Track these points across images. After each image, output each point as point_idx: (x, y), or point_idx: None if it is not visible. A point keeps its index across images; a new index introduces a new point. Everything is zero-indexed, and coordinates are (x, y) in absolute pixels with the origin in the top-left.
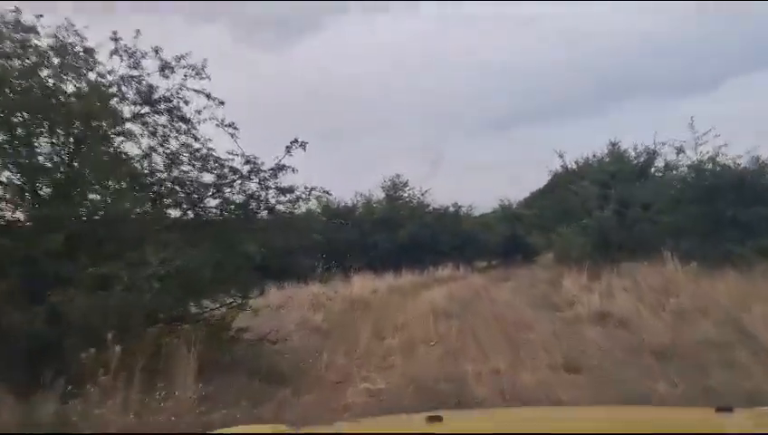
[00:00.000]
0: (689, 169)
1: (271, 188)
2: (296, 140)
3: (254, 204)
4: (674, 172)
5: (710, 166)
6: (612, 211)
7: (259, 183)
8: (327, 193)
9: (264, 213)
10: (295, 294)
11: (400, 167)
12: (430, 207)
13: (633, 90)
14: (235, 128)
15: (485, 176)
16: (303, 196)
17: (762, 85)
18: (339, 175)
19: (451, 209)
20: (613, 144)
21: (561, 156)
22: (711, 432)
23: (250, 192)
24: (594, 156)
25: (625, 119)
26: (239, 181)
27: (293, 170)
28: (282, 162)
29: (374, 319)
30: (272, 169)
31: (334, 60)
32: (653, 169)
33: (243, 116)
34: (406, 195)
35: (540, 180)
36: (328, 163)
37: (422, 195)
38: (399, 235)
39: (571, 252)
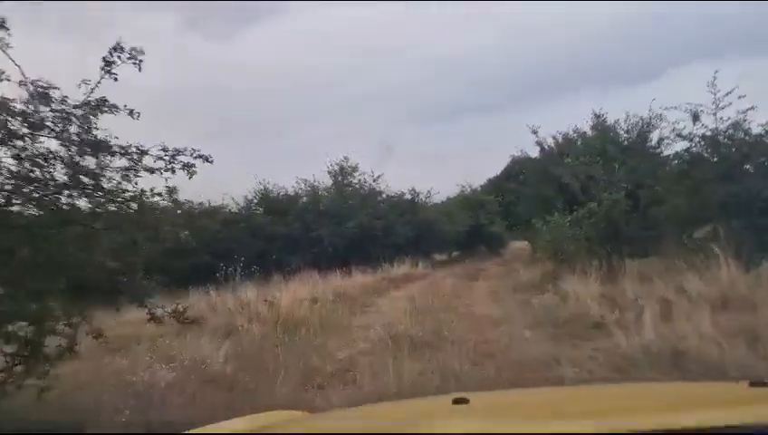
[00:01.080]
0: (705, 139)
1: (75, 140)
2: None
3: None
4: (678, 144)
5: (736, 134)
6: (624, 194)
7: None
8: (207, 160)
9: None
10: (210, 310)
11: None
12: (383, 195)
13: (587, 79)
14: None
15: (437, 166)
16: (163, 166)
17: (703, 75)
18: (285, 166)
19: (407, 196)
20: (598, 116)
21: (534, 132)
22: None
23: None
24: (575, 132)
25: (581, 107)
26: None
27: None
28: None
29: (306, 351)
30: (85, 106)
31: (284, 49)
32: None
33: (184, 104)
34: (356, 181)
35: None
36: (273, 154)
37: (374, 180)
38: (348, 227)
39: (563, 245)
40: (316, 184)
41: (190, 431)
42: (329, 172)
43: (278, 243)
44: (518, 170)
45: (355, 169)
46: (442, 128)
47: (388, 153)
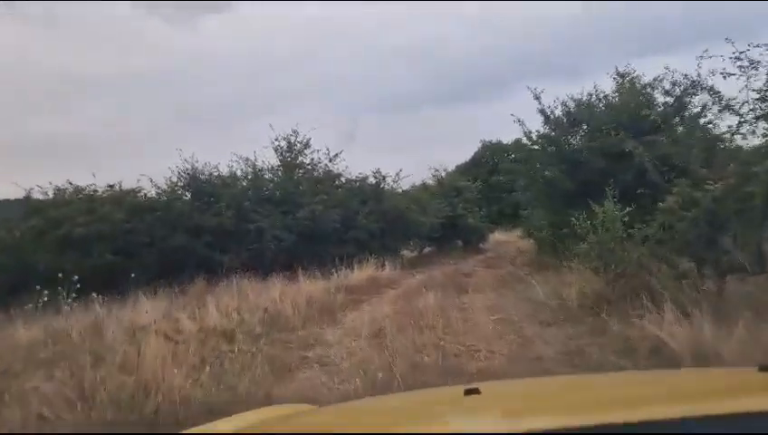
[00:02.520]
0: None
1: None
2: None
3: None
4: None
5: None
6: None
7: None
8: None
9: None
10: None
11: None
12: (342, 178)
13: (547, 72)
14: None
15: (398, 156)
16: None
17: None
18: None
19: (371, 180)
20: (623, 75)
21: (537, 97)
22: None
23: None
24: (591, 95)
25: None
26: None
27: None
28: None
29: None
30: None
31: (244, 37)
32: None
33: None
34: (308, 161)
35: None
36: (228, 142)
37: (330, 160)
38: (298, 217)
39: (615, 253)
40: (258, 164)
41: (195, 428)
42: (274, 149)
43: (205, 237)
44: (489, 156)
45: (307, 145)
46: (402, 118)
47: (350, 142)
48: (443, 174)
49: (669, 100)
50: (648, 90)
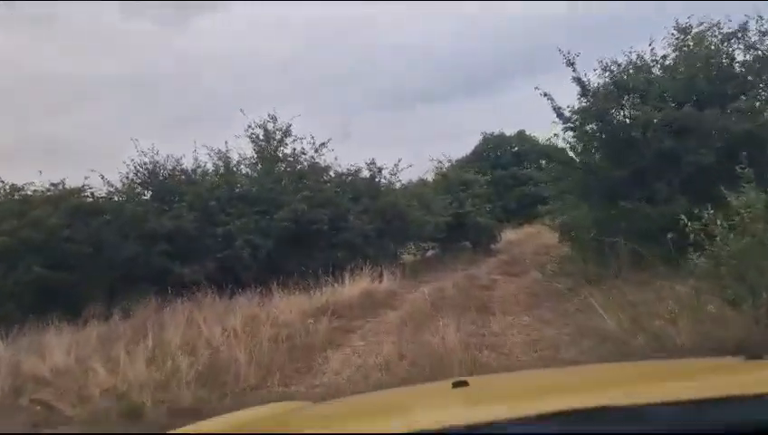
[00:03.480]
0: None
1: None
2: None
3: None
4: None
5: None
6: None
7: None
8: None
9: None
10: None
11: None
12: (330, 172)
13: (538, 68)
14: None
15: (396, 152)
16: None
17: None
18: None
19: (365, 174)
20: (685, 30)
21: (572, 63)
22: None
23: None
24: (640, 57)
25: (531, 97)
26: None
27: None
28: None
29: None
30: None
31: (240, 36)
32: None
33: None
34: (289, 151)
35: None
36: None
37: (316, 151)
38: (277, 219)
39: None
40: (230, 156)
41: (176, 431)
42: (250, 138)
43: (161, 245)
44: (491, 149)
45: (287, 133)
46: (399, 115)
47: (345, 138)
48: (446, 166)
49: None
50: (724, 45)
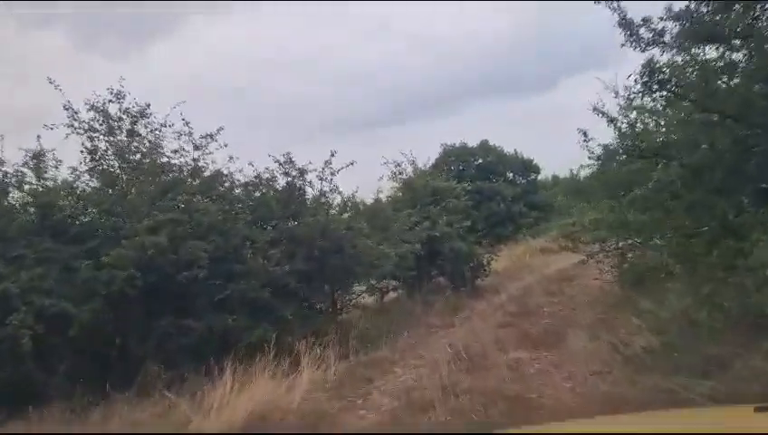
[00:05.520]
0: None
1: None
2: None
3: None
4: None
5: None
6: None
7: None
8: None
9: None
10: None
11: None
12: (225, 181)
13: (484, 89)
14: None
15: (353, 176)
16: None
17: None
18: None
19: (279, 183)
20: None
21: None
22: (753, 433)
23: None
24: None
25: (478, 118)
26: None
27: None
28: None
29: None
30: None
31: (182, 64)
32: None
33: None
34: (146, 146)
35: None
36: None
37: (197, 148)
38: (107, 265)
39: None
40: (46, 159)
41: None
42: (77, 128)
43: None
44: (453, 161)
45: (143, 115)
46: (357, 138)
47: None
48: (411, 172)
49: None
50: None
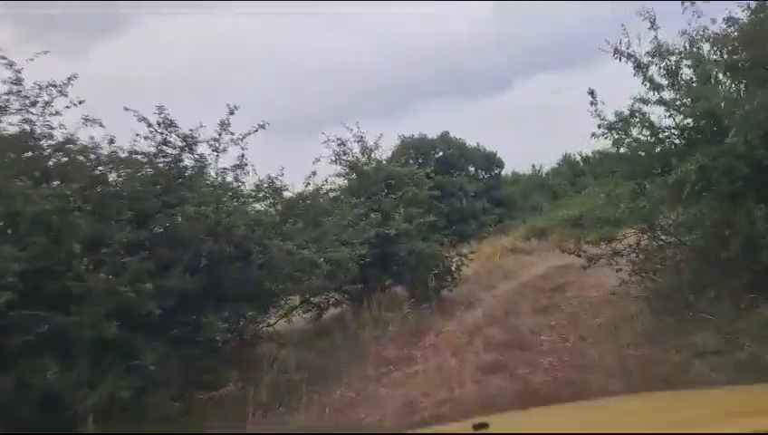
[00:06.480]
0: None
1: None
2: None
3: None
4: None
5: None
6: None
7: None
8: None
9: None
10: None
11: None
12: (78, 156)
13: (438, 90)
14: None
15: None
16: None
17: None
18: None
19: (147, 150)
20: None
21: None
22: None
23: None
24: None
25: (433, 117)
26: None
27: None
28: None
29: None
30: None
31: (135, 61)
32: None
33: None
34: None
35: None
36: None
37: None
38: None
39: None
40: None
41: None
42: None
43: None
44: (411, 154)
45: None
46: (312, 138)
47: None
48: (362, 155)
49: None
50: None
